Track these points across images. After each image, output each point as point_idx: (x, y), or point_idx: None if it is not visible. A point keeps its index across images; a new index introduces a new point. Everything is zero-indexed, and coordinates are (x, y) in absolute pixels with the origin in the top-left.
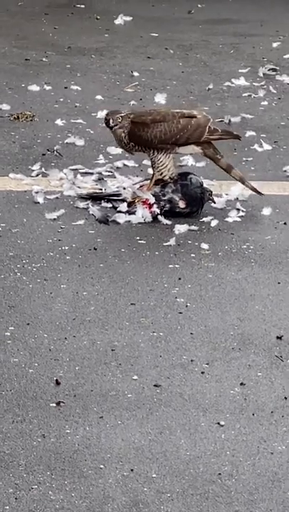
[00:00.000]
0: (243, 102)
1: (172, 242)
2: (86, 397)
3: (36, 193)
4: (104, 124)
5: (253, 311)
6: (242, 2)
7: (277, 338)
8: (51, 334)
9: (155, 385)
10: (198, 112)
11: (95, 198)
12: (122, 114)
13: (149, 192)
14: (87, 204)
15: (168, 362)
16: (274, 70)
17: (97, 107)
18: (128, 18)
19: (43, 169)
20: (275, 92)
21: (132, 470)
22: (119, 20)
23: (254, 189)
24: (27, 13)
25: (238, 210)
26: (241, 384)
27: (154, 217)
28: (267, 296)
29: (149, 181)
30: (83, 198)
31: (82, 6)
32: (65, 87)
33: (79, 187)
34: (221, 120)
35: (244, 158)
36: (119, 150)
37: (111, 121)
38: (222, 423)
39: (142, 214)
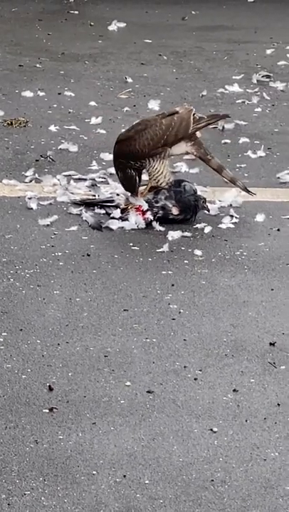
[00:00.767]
0: (237, 108)
1: (165, 248)
2: (79, 403)
3: (29, 199)
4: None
5: (246, 318)
6: (236, 9)
7: (270, 344)
8: (44, 340)
9: (148, 391)
10: (180, 107)
11: (88, 204)
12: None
13: (143, 198)
14: (81, 210)
15: (161, 368)
16: (268, 76)
17: (90, 113)
18: (122, 25)
19: (36, 175)
20: (268, 98)
21: (124, 476)
22: (113, 26)
23: (245, 189)
24: (21, 19)
25: (232, 216)
26: (234, 390)
27: (148, 224)
28: (260, 303)
29: (144, 188)
30: (76, 204)
31: (76, 13)
32: (59, 93)
33: (72, 193)
34: (214, 127)
35: (237, 165)
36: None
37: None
38: (215, 429)
39: (135, 220)
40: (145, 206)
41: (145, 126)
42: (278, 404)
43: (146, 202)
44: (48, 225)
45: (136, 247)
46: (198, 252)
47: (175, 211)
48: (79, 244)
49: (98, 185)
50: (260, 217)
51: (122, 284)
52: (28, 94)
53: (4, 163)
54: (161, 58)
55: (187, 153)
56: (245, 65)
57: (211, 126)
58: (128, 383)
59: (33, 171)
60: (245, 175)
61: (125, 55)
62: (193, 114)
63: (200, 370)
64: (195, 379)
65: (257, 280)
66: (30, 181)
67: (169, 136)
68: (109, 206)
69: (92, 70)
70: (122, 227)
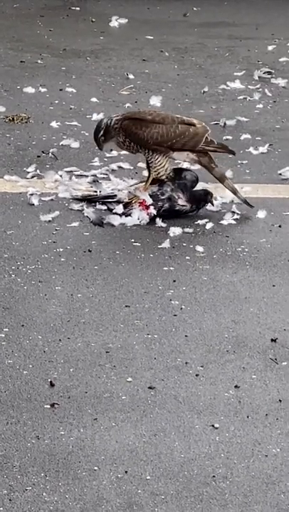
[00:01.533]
0: (239, 104)
1: (167, 244)
2: (80, 398)
3: (31, 195)
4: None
5: (247, 314)
6: (237, 5)
7: (272, 340)
8: (45, 336)
9: (149, 387)
10: (198, 122)
11: (89, 200)
12: (118, 117)
13: (146, 192)
14: (82, 206)
15: (162, 364)
16: (269, 73)
17: (92, 109)
18: (123, 21)
19: (38, 171)
20: (270, 95)
21: (126, 472)
22: (114, 22)
23: (245, 201)
24: (22, 15)
25: (233, 212)
26: (236, 386)
27: (150, 220)
28: (261, 299)
29: (144, 182)
30: (78, 199)
31: (78, 9)
32: (60, 89)
33: (74, 189)
34: (216, 123)
35: (239, 161)
36: (115, 152)
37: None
38: (216, 425)
39: (138, 216)
40: (149, 200)
41: (162, 121)
42: (280, 401)
43: (152, 195)
44: (49, 221)
45: (137, 243)
46: (199, 248)
47: (181, 202)
48: (80, 240)
49: (100, 181)
50: (261, 214)
51: (124, 280)
52: (29, 90)
53: (6, 159)
54: (162, 55)
55: (189, 160)
56: (247, 62)
57: (212, 122)
58: (129, 379)
59: (35, 167)
60: (247, 171)
61: (127, 51)
62: (207, 135)
63: (201, 366)
64: (196, 375)
65: (258, 276)
66: (32, 177)
67: (176, 143)
68: (110, 202)
69: (94, 67)
70: (124, 223)
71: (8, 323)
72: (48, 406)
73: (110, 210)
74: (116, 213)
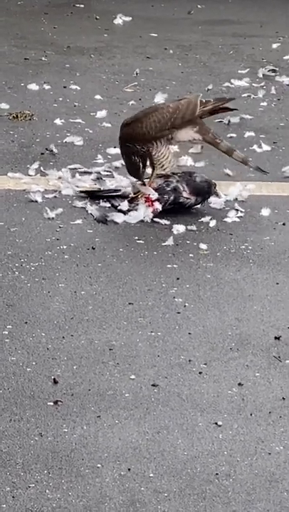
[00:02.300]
0: (243, 102)
1: (170, 242)
2: (83, 396)
3: (35, 192)
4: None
5: (251, 312)
6: (242, 3)
7: (276, 338)
8: (49, 333)
9: (153, 385)
10: (188, 95)
11: (93, 195)
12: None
13: (151, 187)
14: (86, 203)
15: (166, 362)
16: (273, 71)
17: (96, 107)
18: (127, 18)
19: (41, 168)
20: (274, 93)
21: (129, 469)
22: (119, 20)
23: (258, 168)
24: (26, 12)
25: (237, 210)
26: (239, 384)
27: (155, 216)
28: (265, 297)
29: (149, 179)
30: (82, 192)
31: (82, 6)
32: (64, 87)
33: (77, 186)
34: (220, 121)
35: None
36: (118, 150)
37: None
38: (220, 423)
39: (143, 212)
40: (154, 195)
41: (154, 109)
42: (283, 398)
43: (157, 188)
44: (53, 218)
45: (141, 241)
46: (203, 246)
47: (186, 194)
48: (84, 238)
49: (103, 178)
50: (265, 212)
51: (127, 277)
52: (33, 87)
53: (9, 156)
54: (166, 52)
55: (194, 140)
56: (251, 59)
57: (216, 120)
58: (133, 376)
59: (39, 164)
60: (251, 169)
61: (131, 48)
62: (200, 99)
63: (205, 364)
64: (200, 373)
65: (262, 274)
66: (36, 174)
67: (176, 119)
68: (114, 197)
69: (98, 64)
70: (127, 221)
71: (12, 321)
72: (52, 403)
73: (114, 207)
74: (121, 210)
